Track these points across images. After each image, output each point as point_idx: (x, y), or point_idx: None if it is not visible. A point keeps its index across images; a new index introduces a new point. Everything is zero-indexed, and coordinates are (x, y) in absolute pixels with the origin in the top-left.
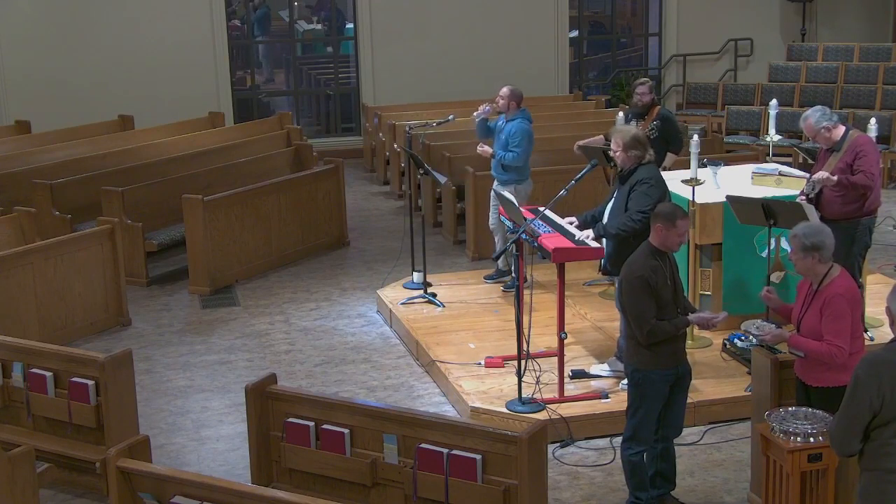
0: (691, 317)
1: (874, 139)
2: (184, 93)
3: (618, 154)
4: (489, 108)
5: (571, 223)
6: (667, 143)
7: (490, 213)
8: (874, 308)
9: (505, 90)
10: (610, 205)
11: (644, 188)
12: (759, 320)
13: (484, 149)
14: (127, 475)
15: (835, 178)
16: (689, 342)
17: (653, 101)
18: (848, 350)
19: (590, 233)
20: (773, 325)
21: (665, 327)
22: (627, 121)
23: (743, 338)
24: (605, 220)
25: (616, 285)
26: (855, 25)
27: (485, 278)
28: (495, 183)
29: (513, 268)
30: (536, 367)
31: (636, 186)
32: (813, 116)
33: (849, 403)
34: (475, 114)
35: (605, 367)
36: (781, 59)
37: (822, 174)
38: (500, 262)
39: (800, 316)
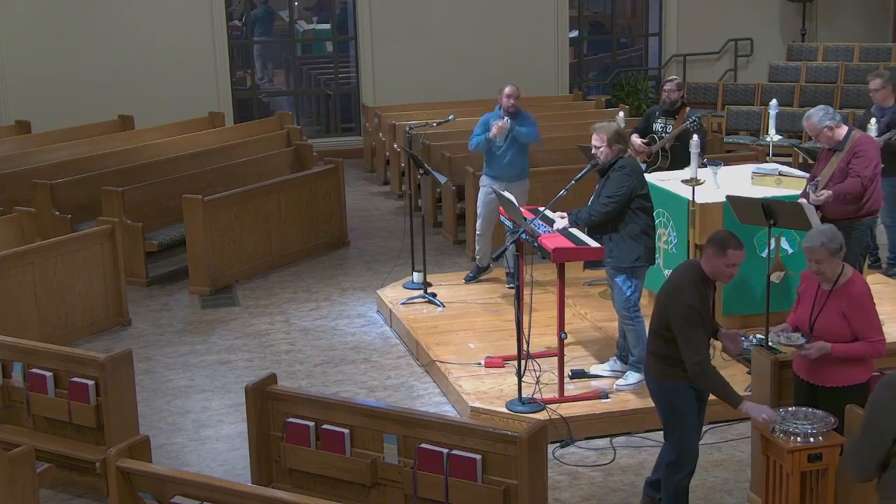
0: (743, 406)
1: (875, 139)
2: (184, 93)
3: (601, 150)
4: (507, 120)
5: (563, 218)
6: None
7: (480, 218)
8: None
9: (514, 89)
10: (591, 198)
11: (618, 174)
12: (786, 330)
13: (499, 126)
14: (127, 475)
15: (830, 192)
16: None
17: (681, 100)
18: (885, 341)
19: (565, 217)
20: (799, 335)
21: (713, 374)
22: (655, 118)
23: (743, 338)
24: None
25: (610, 283)
26: (855, 25)
27: (465, 279)
28: (499, 186)
29: (511, 266)
30: (536, 367)
31: (610, 173)
32: (816, 115)
33: (869, 427)
34: (497, 131)
35: (606, 367)
36: (781, 59)
37: (818, 199)
38: (479, 259)
39: (812, 317)
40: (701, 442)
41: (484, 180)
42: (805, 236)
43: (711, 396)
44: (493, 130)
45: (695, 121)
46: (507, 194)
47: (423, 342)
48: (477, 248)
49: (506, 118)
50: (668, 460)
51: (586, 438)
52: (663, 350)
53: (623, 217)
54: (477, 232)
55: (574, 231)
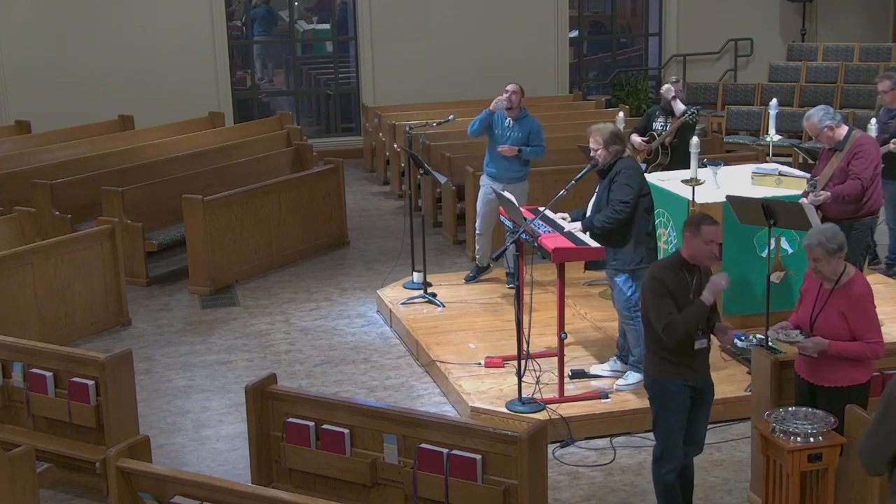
0: (704, 295)
1: (875, 139)
2: (184, 93)
3: (599, 152)
4: (505, 102)
5: (564, 219)
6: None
7: (479, 217)
8: None
9: (516, 86)
10: (592, 200)
11: (623, 178)
12: (786, 328)
13: (504, 151)
14: (127, 475)
15: (828, 194)
16: None
17: (683, 100)
18: (884, 342)
19: (577, 224)
20: (798, 332)
21: (678, 319)
22: (655, 117)
23: (743, 337)
24: (588, 215)
25: (610, 283)
26: (855, 25)
27: (465, 279)
28: (498, 186)
29: (511, 267)
30: (536, 367)
31: (616, 178)
32: (816, 115)
33: (881, 422)
34: (497, 104)
35: (606, 366)
36: (781, 59)
37: (816, 200)
38: (479, 259)
39: (813, 316)
40: None
41: (484, 180)
42: (806, 234)
43: (716, 396)
44: (492, 105)
45: (693, 112)
46: (507, 194)
47: (423, 342)
48: (477, 247)
49: (501, 100)
50: (655, 455)
51: (586, 438)
52: (653, 344)
53: (629, 219)
54: (477, 231)
55: (574, 231)
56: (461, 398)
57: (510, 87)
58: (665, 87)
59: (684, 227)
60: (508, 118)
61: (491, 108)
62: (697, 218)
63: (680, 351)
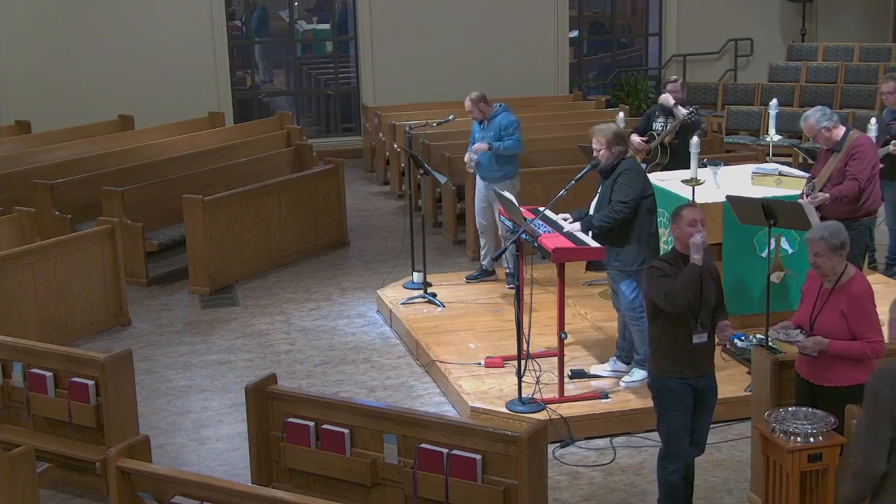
0: (692, 258)
1: (874, 139)
2: (184, 93)
3: (601, 153)
4: (475, 157)
5: (566, 219)
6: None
7: (478, 215)
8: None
9: (468, 103)
10: (594, 200)
11: (624, 178)
12: (787, 327)
13: (475, 149)
14: (127, 475)
15: (826, 195)
16: None
17: (682, 100)
18: (884, 341)
19: (577, 225)
20: (798, 332)
21: (673, 284)
22: (655, 117)
23: (743, 337)
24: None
25: (611, 285)
26: (855, 25)
27: (467, 278)
28: (485, 183)
29: (511, 267)
30: (536, 367)
31: (618, 178)
32: (813, 116)
33: (870, 418)
34: (473, 161)
35: (606, 367)
36: (781, 59)
37: (813, 201)
38: (485, 262)
39: (813, 315)
40: None
41: (479, 179)
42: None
43: (719, 396)
44: (466, 157)
45: (692, 112)
46: (506, 194)
47: (423, 342)
48: (481, 243)
49: (476, 144)
50: (660, 455)
51: (586, 438)
52: (654, 342)
53: (631, 220)
54: (478, 230)
55: (574, 231)
56: (461, 398)
57: (466, 107)
58: (663, 96)
59: (670, 224)
60: (484, 122)
61: (469, 168)
62: (676, 208)
63: (680, 347)
